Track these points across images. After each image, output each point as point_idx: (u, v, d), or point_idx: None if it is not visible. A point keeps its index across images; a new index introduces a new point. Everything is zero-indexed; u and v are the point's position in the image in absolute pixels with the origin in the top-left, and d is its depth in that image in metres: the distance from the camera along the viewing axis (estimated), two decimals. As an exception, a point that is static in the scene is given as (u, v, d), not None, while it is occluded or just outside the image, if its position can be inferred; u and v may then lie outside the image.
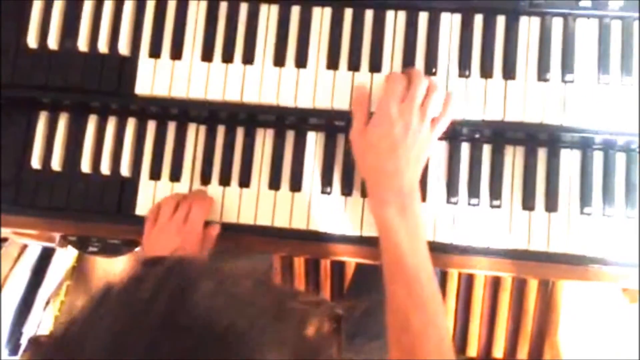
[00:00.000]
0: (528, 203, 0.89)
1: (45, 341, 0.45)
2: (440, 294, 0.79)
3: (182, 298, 0.44)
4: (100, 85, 0.94)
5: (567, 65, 0.88)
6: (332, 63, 0.91)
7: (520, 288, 1.58)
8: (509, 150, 0.91)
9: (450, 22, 0.90)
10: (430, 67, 0.89)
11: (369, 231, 0.90)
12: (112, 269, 1.62)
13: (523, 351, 1.58)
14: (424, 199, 0.90)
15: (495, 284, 1.59)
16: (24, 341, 1.57)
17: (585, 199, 0.88)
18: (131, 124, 0.96)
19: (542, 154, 0.90)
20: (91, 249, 1.01)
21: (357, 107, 0.87)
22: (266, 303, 0.47)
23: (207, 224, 0.92)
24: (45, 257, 1.62)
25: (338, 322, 0.56)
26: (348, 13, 0.92)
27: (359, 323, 1.10)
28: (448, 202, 0.90)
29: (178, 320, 0.43)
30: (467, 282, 1.59)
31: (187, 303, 0.44)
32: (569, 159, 0.90)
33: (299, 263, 1.64)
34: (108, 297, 0.46)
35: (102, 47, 0.94)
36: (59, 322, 0.44)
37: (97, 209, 0.95)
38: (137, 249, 1.00)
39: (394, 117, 0.81)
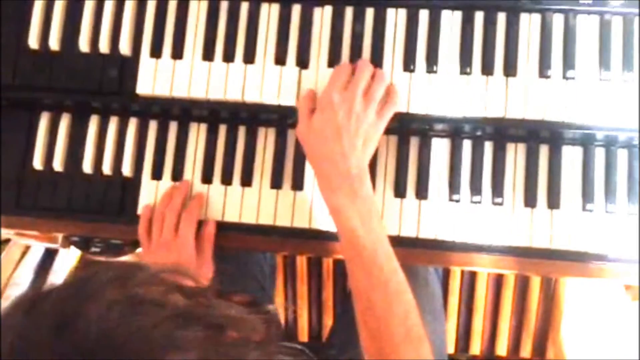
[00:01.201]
0: (530, 200, 0.89)
1: None
2: (401, 272, 0.80)
3: (71, 309, 0.43)
4: (101, 86, 0.94)
5: (568, 62, 0.88)
6: (333, 62, 0.90)
7: (522, 286, 1.58)
8: (510, 148, 0.91)
9: (450, 20, 0.90)
10: (432, 64, 0.89)
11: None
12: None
13: (526, 349, 1.58)
14: (425, 196, 0.90)
15: (497, 282, 1.58)
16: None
17: (587, 195, 0.88)
18: (133, 124, 0.96)
19: (543, 150, 0.90)
20: (94, 249, 1.01)
21: (302, 102, 0.88)
22: (176, 307, 0.45)
23: (201, 222, 0.92)
24: (48, 258, 1.62)
25: (276, 327, 0.54)
26: (349, 11, 0.92)
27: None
28: (450, 199, 0.90)
29: (69, 333, 0.42)
30: (470, 280, 1.59)
31: (79, 314, 0.43)
32: (571, 156, 0.90)
33: (301, 262, 1.64)
34: (14, 311, 0.45)
35: (103, 47, 0.94)
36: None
37: (99, 209, 0.95)
38: (139, 249, 1.00)
39: (336, 103, 0.82)
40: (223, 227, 0.93)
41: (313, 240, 0.93)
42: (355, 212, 0.80)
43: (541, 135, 0.90)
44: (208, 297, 0.50)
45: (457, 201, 0.90)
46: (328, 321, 1.63)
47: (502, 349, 1.58)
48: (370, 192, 0.83)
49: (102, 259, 1.00)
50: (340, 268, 1.62)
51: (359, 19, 0.91)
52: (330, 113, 0.82)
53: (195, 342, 0.44)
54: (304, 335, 1.64)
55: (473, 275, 1.59)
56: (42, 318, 0.44)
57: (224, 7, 0.93)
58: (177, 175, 0.94)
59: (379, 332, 0.77)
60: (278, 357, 0.49)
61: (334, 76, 0.85)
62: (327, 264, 1.63)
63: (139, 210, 0.94)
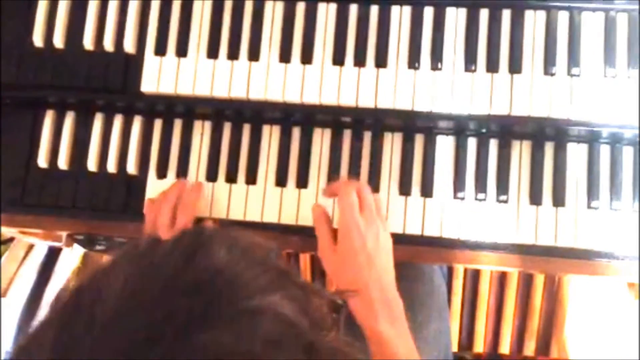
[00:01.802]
0: (535, 198, 0.89)
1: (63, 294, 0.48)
2: None
3: (194, 254, 0.46)
4: (106, 84, 0.94)
5: (573, 59, 0.88)
6: (338, 59, 0.91)
7: (526, 284, 1.58)
8: (515, 145, 0.91)
9: (455, 17, 0.90)
10: (436, 62, 0.89)
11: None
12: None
13: (530, 347, 1.57)
14: (430, 194, 0.90)
15: (501, 280, 1.58)
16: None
17: (592, 193, 0.88)
18: (137, 122, 0.96)
19: (549, 148, 0.90)
20: (98, 247, 1.01)
21: (318, 225, 0.87)
22: (275, 270, 0.48)
23: (200, 220, 0.91)
24: (52, 257, 1.62)
25: (338, 312, 0.57)
26: (353, 9, 0.92)
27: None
28: (455, 197, 0.90)
29: (189, 273, 0.45)
30: (473, 278, 1.59)
31: (199, 258, 0.46)
32: (576, 153, 0.89)
33: (305, 260, 1.64)
34: (123, 259, 0.48)
35: (108, 45, 0.94)
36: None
37: (104, 208, 0.95)
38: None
39: (364, 231, 0.81)
40: (228, 225, 0.93)
41: (316, 238, 0.93)
42: (397, 336, 0.80)
43: (546, 133, 0.90)
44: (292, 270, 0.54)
45: (462, 199, 0.90)
46: (331, 320, 1.62)
47: (505, 347, 1.58)
48: (403, 314, 0.82)
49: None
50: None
51: (363, 16, 0.91)
52: (360, 242, 0.81)
53: (292, 295, 0.47)
54: (307, 334, 1.64)
55: (476, 274, 1.59)
56: (176, 248, 0.47)
57: (228, 4, 0.93)
58: (181, 173, 0.94)
59: None
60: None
61: (347, 199, 0.83)
62: (331, 262, 1.62)
63: (144, 208, 0.94)
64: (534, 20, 0.89)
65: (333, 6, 0.92)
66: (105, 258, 1.63)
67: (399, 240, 0.87)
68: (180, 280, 0.45)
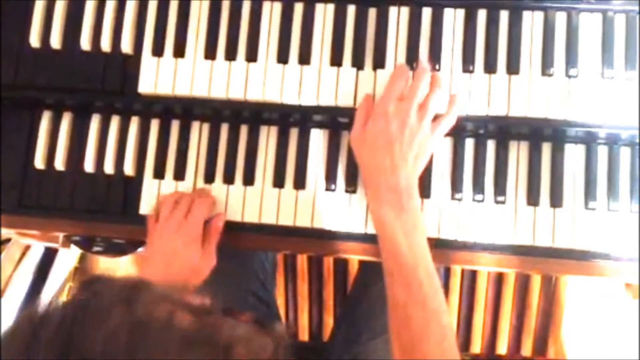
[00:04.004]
0: (533, 198, 0.89)
1: None
2: (442, 292, 0.79)
3: (76, 332, 0.43)
4: (103, 85, 0.94)
5: (571, 60, 0.88)
6: (336, 60, 0.90)
7: (523, 284, 1.58)
8: (513, 146, 0.91)
9: (453, 18, 0.90)
10: (434, 62, 0.89)
11: (374, 228, 0.90)
12: (114, 269, 1.62)
13: (527, 347, 1.58)
14: (427, 195, 0.90)
15: (498, 280, 1.59)
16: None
17: (590, 193, 0.88)
18: (134, 122, 0.96)
19: (546, 149, 0.90)
20: (95, 248, 1.01)
21: (359, 109, 0.87)
22: (182, 329, 0.45)
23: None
24: (48, 258, 1.62)
25: (285, 346, 0.53)
26: (351, 10, 0.92)
27: (363, 320, 1.10)
28: (452, 198, 0.90)
29: (77, 356, 0.42)
30: (471, 279, 1.59)
31: (83, 338, 0.42)
32: (574, 154, 0.90)
33: (302, 262, 1.64)
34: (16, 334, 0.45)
35: (105, 46, 0.94)
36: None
37: (101, 209, 0.95)
38: (141, 249, 1.00)
39: (391, 114, 0.81)
40: (225, 226, 0.92)
41: (315, 239, 0.93)
42: (400, 226, 0.80)
43: (544, 134, 0.90)
44: (215, 316, 0.49)
45: (460, 200, 0.90)
46: (329, 320, 1.63)
47: (502, 347, 1.59)
48: (418, 207, 0.82)
49: (104, 268, 1.00)
50: (341, 267, 1.62)
51: (361, 17, 0.91)
52: (383, 123, 0.81)
53: None
54: (304, 335, 1.64)
55: (473, 274, 1.59)
56: (47, 340, 0.43)
57: (225, 5, 0.93)
58: (179, 174, 0.94)
59: (412, 348, 0.76)
60: None
61: (391, 83, 0.84)
62: (328, 263, 1.63)
63: (141, 209, 0.94)
64: (532, 21, 0.89)
65: (331, 7, 0.92)
66: (102, 260, 1.63)
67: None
68: None
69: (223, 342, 0.46)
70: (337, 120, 0.92)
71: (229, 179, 0.93)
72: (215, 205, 0.93)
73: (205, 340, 0.45)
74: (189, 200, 0.91)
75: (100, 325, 0.43)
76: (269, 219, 0.92)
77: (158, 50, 0.93)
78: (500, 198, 0.89)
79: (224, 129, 0.94)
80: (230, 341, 0.47)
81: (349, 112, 0.89)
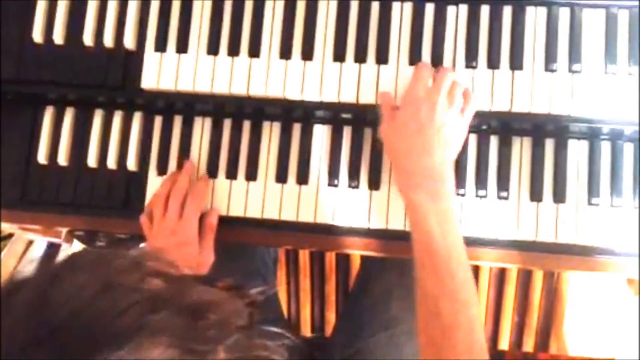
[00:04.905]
0: (536, 194, 0.89)
1: None
2: (473, 282, 0.77)
3: (46, 292, 0.43)
4: (106, 80, 0.94)
5: (574, 56, 0.88)
6: (339, 55, 0.90)
7: (525, 280, 1.58)
8: (516, 141, 0.90)
9: (456, 13, 0.90)
10: (437, 58, 0.89)
11: (376, 224, 0.90)
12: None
13: (529, 343, 1.58)
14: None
15: (500, 276, 1.59)
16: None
17: (592, 189, 0.88)
18: (137, 118, 0.96)
19: (549, 144, 0.90)
20: (98, 243, 1.01)
21: (383, 102, 0.86)
22: (150, 292, 0.45)
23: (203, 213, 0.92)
24: (51, 253, 1.62)
25: (252, 310, 0.53)
26: (354, 5, 0.91)
27: (365, 315, 1.10)
28: (456, 194, 0.90)
29: (36, 320, 0.42)
30: (473, 274, 1.59)
31: (51, 298, 0.43)
32: (577, 150, 0.89)
33: (304, 257, 1.64)
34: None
35: (108, 41, 0.94)
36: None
37: (104, 204, 0.95)
38: (143, 244, 1.00)
39: (421, 99, 0.81)
40: (228, 222, 0.93)
41: (317, 235, 0.93)
42: (434, 212, 0.78)
43: (547, 129, 0.90)
44: (188, 283, 0.49)
45: (463, 195, 0.90)
46: (331, 316, 1.63)
47: (504, 343, 1.59)
48: (452, 194, 0.81)
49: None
50: (343, 263, 1.62)
51: (364, 13, 0.91)
52: (414, 108, 0.81)
53: (167, 326, 0.43)
54: (306, 330, 1.64)
55: (475, 270, 1.59)
56: (19, 301, 0.43)
57: (228, 0, 0.93)
58: (182, 169, 0.94)
59: (441, 340, 0.74)
60: (261, 341, 0.49)
61: (417, 74, 0.84)
62: (330, 258, 1.63)
63: (145, 205, 0.94)
64: (535, 17, 0.89)
65: (334, 2, 0.92)
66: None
67: (401, 237, 0.87)
68: (28, 327, 0.41)
69: (191, 305, 0.46)
70: (339, 116, 0.92)
71: (231, 174, 0.93)
72: (208, 191, 0.92)
73: (172, 302, 0.45)
74: (181, 196, 0.90)
75: (67, 284, 0.43)
76: (271, 214, 0.92)
77: (161, 46, 0.93)
78: (503, 194, 0.89)
79: (227, 125, 0.94)
80: (199, 305, 0.46)
81: (352, 108, 0.90)
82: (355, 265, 1.60)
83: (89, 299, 0.43)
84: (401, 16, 0.91)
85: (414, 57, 0.89)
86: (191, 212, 0.90)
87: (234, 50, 0.92)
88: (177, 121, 0.95)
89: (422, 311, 0.77)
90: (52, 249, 1.59)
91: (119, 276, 0.45)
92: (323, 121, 0.93)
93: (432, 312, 0.76)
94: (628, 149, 0.89)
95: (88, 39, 0.94)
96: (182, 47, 0.93)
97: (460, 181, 0.90)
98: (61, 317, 0.42)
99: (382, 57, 0.90)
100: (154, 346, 0.41)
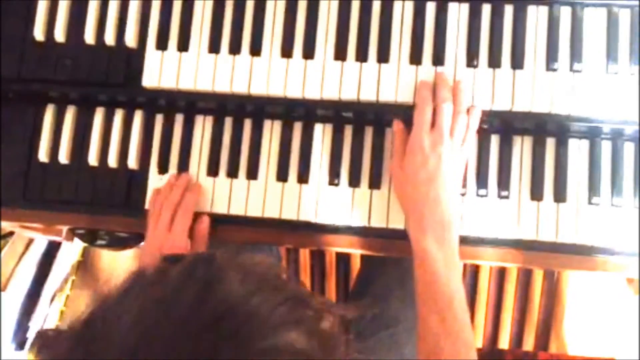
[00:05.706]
0: (536, 193, 0.89)
1: (57, 335, 0.48)
2: (471, 327, 0.81)
3: (209, 289, 0.46)
4: (107, 78, 0.94)
5: (575, 55, 0.88)
6: (340, 54, 0.90)
7: (525, 279, 1.58)
8: (517, 141, 0.90)
9: (458, 12, 0.90)
10: (438, 57, 0.89)
11: (376, 223, 0.90)
12: (118, 262, 1.63)
13: (529, 342, 1.58)
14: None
15: (500, 275, 1.59)
16: (30, 336, 1.58)
17: (593, 189, 0.88)
18: (138, 116, 0.96)
19: (550, 144, 0.90)
20: (99, 242, 1.02)
21: (397, 143, 0.88)
22: (287, 292, 0.50)
23: (196, 216, 0.92)
24: (51, 251, 1.62)
25: (346, 324, 0.58)
26: (355, 3, 0.91)
27: (365, 316, 1.10)
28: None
29: (205, 310, 0.45)
30: (473, 273, 1.59)
31: (215, 293, 0.46)
32: (577, 149, 0.89)
33: (304, 256, 1.64)
34: (133, 290, 0.48)
35: (109, 39, 0.94)
36: (73, 318, 0.47)
37: (105, 202, 0.95)
38: (144, 243, 1.00)
39: (427, 150, 0.83)
40: (228, 220, 0.93)
41: (317, 233, 0.93)
42: (441, 257, 0.81)
43: (548, 128, 0.90)
44: (307, 291, 0.56)
45: (463, 194, 0.90)
46: (331, 315, 1.63)
47: (504, 342, 1.59)
48: (456, 240, 0.84)
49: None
50: (343, 262, 1.62)
51: (365, 11, 0.91)
52: (421, 158, 0.83)
53: (303, 318, 0.49)
54: (306, 329, 1.64)
55: (476, 269, 1.59)
56: (195, 276, 0.48)
57: (230, -1, 0.93)
58: (183, 167, 0.94)
59: None
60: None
61: (419, 117, 0.85)
62: (331, 257, 1.63)
63: (146, 204, 0.94)
64: (537, 16, 0.89)
65: (335, 1, 0.92)
66: (105, 253, 1.64)
67: (402, 236, 0.87)
68: (194, 319, 0.45)
69: (315, 306, 0.52)
70: (341, 115, 0.92)
71: (232, 172, 0.93)
72: (198, 201, 0.92)
73: (307, 302, 0.52)
74: (172, 209, 0.90)
75: (233, 272, 0.49)
76: (272, 212, 0.92)
77: (162, 44, 0.93)
78: (503, 193, 0.89)
79: (228, 123, 0.94)
80: (319, 308, 0.53)
81: (353, 107, 0.89)
82: (356, 264, 1.60)
83: (246, 296, 0.47)
84: (402, 15, 0.91)
85: (415, 56, 0.89)
86: (180, 226, 0.90)
87: (235, 49, 0.92)
88: (178, 119, 0.95)
89: (423, 348, 0.80)
90: (53, 247, 1.59)
91: (263, 279, 0.51)
92: (324, 120, 0.93)
93: (433, 350, 0.78)
94: (629, 149, 0.89)
95: (89, 37, 0.94)
96: (183, 46, 0.93)
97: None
98: (222, 310, 0.46)
99: (383, 56, 0.90)
100: (296, 335, 0.47)
